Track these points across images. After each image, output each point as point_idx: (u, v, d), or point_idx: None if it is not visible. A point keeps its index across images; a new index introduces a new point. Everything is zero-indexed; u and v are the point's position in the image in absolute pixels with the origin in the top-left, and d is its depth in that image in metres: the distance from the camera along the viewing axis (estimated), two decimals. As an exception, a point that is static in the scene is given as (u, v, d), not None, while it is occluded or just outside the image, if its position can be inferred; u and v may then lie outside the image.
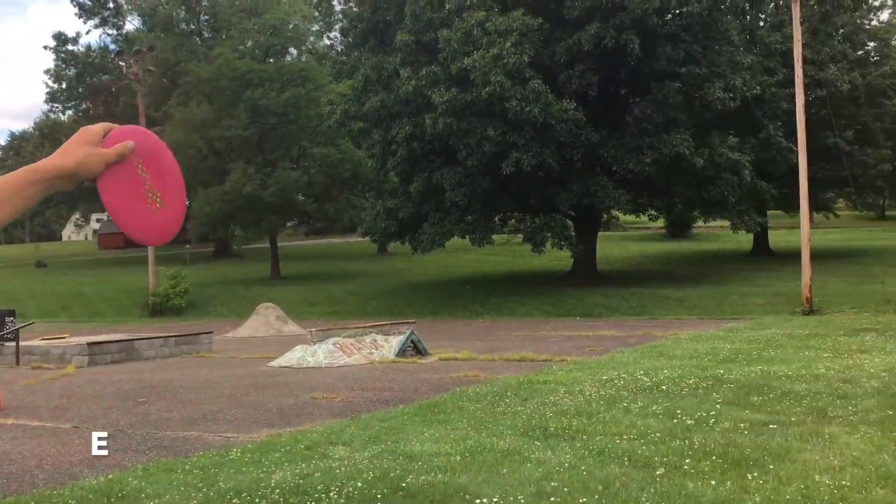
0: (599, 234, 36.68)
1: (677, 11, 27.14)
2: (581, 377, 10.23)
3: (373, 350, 15.13)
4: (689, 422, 7.14)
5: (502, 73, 24.75)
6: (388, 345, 15.29)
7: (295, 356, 14.89)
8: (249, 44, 48.35)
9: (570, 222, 31.44)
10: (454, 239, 30.97)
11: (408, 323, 17.48)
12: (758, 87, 30.97)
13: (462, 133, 26.64)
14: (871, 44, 41.35)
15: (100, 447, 8.51)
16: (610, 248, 46.68)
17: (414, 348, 15.35)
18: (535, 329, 20.80)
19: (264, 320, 24.58)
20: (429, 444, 6.83)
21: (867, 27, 41.22)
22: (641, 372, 10.23)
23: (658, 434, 6.72)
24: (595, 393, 8.88)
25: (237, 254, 55.87)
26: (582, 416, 7.62)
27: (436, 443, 6.84)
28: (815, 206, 39.50)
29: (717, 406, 7.80)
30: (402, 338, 15.40)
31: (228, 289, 38.34)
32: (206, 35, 54.09)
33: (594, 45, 25.93)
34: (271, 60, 46.88)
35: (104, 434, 9.51)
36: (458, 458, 6.27)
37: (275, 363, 14.87)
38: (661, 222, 52.35)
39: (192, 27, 54.59)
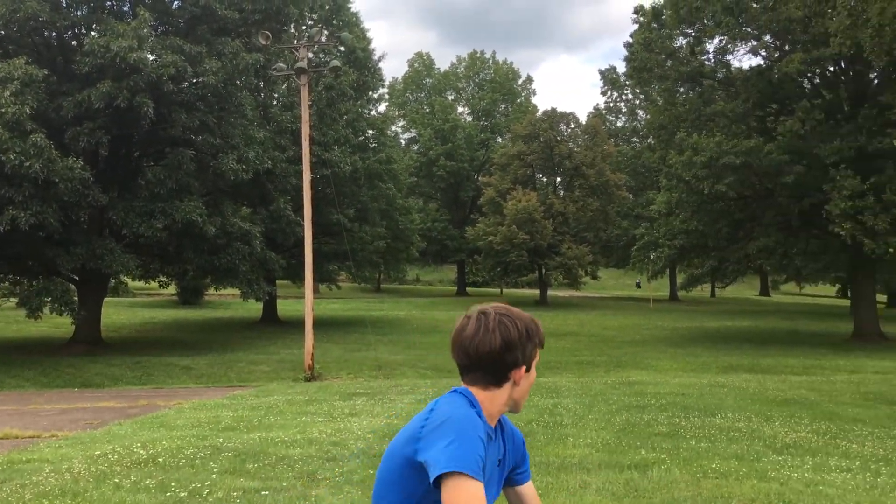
0: (106, 299, 34.85)
1: (194, 81, 27.41)
2: (71, 453, 9.53)
3: None
4: (183, 494, 7.05)
5: (0, 124, 22.60)
6: None
7: None
8: None
9: (72, 286, 29.43)
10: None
11: None
12: (269, 162, 32.43)
13: (-55, 183, 23.62)
14: (371, 131, 45.98)
15: None
16: (117, 314, 44.58)
17: None
18: (25, 403, 18.91)
19: None
20: None
21: (367, 116, 45.75)
22: (139, 444, 9.86)
23: (149, 510, 6.52)
24: (85, 470, 8.33)
25: None
26: (67, 496, 7.09)
27: None
28: (319, 277, 42.22)
29: (213, 476, 7.81)
30: None
31: None
32: None
33: (106, 104, 24.98)
34: None
35: None
36: None
37: None
38: (172, 289, 51.49)
39: None
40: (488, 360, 2.31)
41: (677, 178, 34.26)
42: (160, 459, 8.76)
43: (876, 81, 33.24)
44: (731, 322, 46.95)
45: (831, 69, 34.29)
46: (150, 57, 25.62)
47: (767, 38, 34.03)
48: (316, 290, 55.74)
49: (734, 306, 67.07)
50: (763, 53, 34.93)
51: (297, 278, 39.60)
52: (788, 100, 33.28)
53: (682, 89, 37.59)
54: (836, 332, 39.10)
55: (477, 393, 2.33)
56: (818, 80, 35.00)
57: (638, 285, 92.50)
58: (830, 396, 15.88)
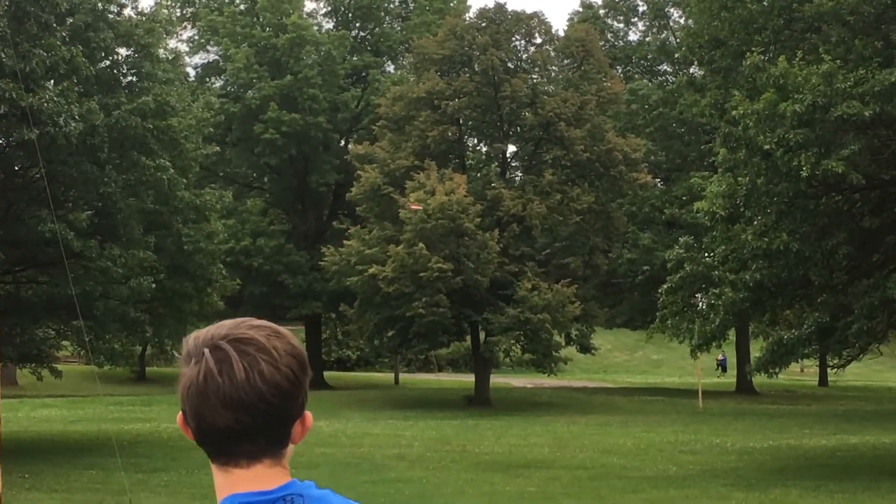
0: None
1: None
2: None
3: None
4: None
5: None
6: None
7: None
8: None
9: None
10: None
11: None
12: None
13: None
14: (124, 51, 45.35)
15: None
16: None
17: None
18: None
19: None
20: None
21: (116, 19, 45.11)
22: None
23: None
24: None
25: None
26: None
27: None
28: (18, 354, 41.40)
29: None
30: None
31: None
32: None
33: None
34: None
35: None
36: None
37: None
38: None
39: None
40: (281, 413, 2.82)
41: (748, 147, 34.74)
42: None
43: None
44: (856, 436, 47.70)
45: None
46: None
47: None
48: (10, 381, 54.55)
49: (864, 403, 68.15)
50: None
51: (-31, 355, 38.96)
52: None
53: (755, -32, 38.23)
54: None
55: (279, 475, 2.86)
56: None
57: (721, 366, 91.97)
58: None
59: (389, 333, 60.71)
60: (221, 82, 75.53)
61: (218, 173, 72.83)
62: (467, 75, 62.28)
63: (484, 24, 63.86)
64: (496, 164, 67.04)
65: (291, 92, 70.98)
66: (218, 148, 68.64)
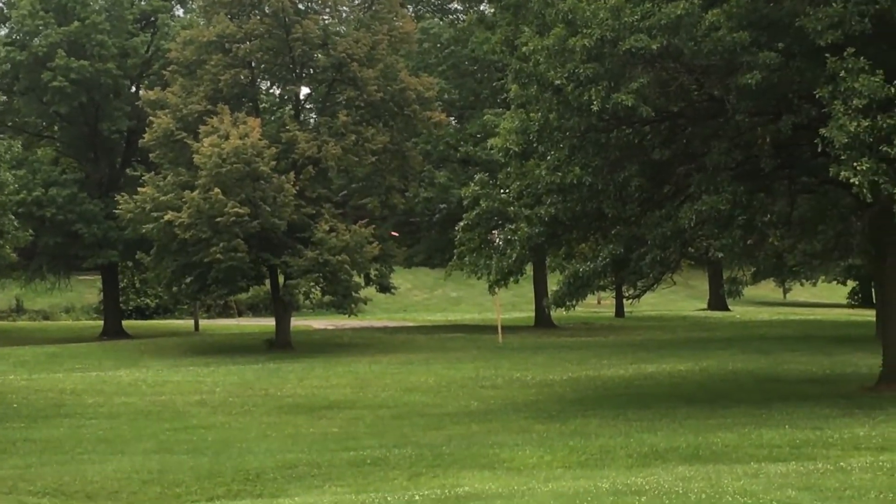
0: None
1: None
2: None
3: None
4: None
5: None
6: None
7: None
8: None
9: None
10: None
11: None
12: None
13: None
14: None
15: None
16: None
17: None
18: None
19: None
20: None
21: None
22: None
23: None
24: None
25: None
26: None
27: None
28: None
29: None
30: None
31: None
32: None
33: None
34: None
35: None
36: None
37: None
38: None
39: None
40: None
41: (539, 82, 34.83)
42: None
43: None
44: (652, 364, 48.45)
45: None
46: None
47: None
48: None
49: (660, 332, 69.35)
50: None
51: None
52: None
53: None
54: (849, 374, 41.02)
55: None
56: None
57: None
58: (842, 500, 16.52)
59: (188, 280, 60.03)
60: (6, 30, 73.57)
61: (6, 123, 71.16)
62: (258, 17, 61.69)
63: (273, -35, 63.37)
64: (290, 106, 66.61)
65: (79, 38, 69.55)
66: (5, 97, 67.26)
